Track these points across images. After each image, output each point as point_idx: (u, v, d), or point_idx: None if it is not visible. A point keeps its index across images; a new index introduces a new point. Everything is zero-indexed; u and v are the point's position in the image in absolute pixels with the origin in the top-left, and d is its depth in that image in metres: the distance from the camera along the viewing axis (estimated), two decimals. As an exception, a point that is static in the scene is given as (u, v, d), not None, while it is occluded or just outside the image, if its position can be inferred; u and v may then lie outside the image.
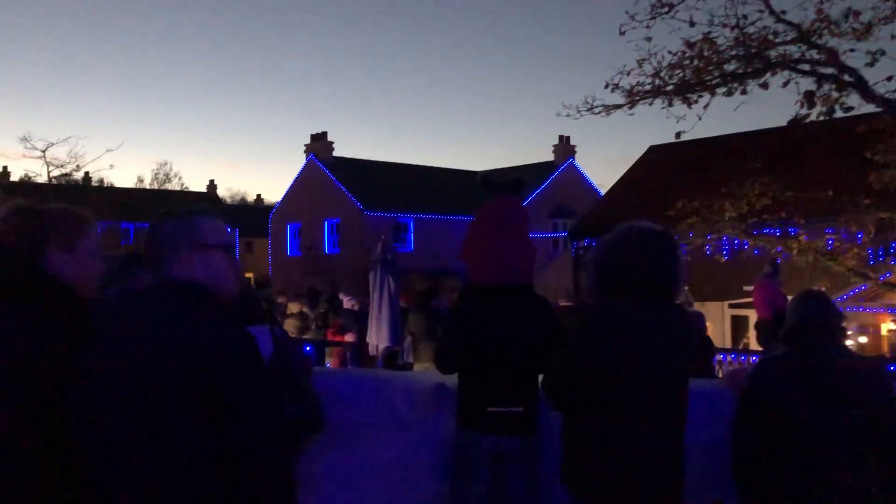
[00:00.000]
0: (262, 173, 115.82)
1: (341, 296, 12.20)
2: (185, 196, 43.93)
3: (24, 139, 26.99)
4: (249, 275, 41.02)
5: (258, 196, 63.22)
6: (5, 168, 39.04)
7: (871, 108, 9.13)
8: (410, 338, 8.02)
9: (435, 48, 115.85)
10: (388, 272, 8.89)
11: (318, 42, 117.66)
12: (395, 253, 9.57)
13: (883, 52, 8.87)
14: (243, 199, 69.35)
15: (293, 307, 11.07)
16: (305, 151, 35.30)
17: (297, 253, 34.65)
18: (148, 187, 47.93)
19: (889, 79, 9.35)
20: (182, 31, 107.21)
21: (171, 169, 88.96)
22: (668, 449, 2.76)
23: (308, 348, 8.50)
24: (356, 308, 11.08)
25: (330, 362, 9.45)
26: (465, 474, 3.37)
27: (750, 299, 13.89)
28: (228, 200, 63.53)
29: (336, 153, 34.97)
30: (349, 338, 9.66)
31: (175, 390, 1.67)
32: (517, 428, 3.38)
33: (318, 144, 34.73)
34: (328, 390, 3.18)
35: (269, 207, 42.97)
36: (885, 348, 17.97)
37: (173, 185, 48.26)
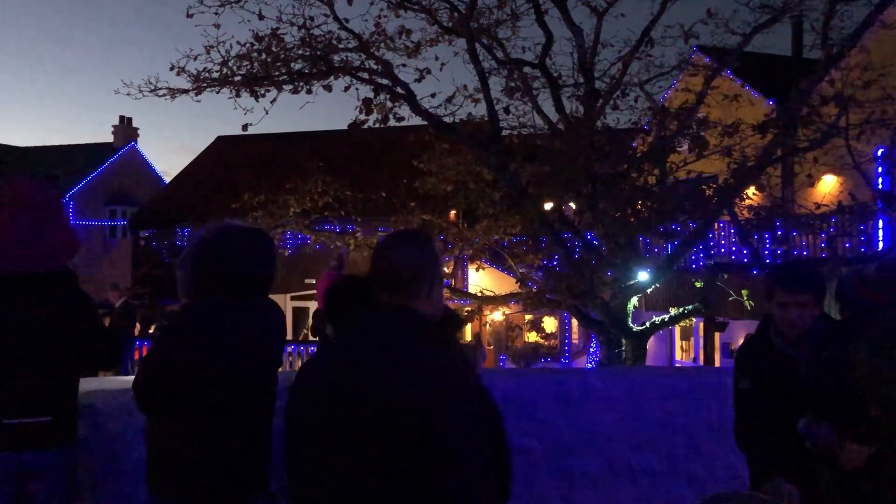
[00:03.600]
0: None
1: None
2: None
3: None
4: None
5: None
6: None
7: (419, 120, 10.16)
8: None
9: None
10: None
11: None
12: None
13: (429, 71, 9.96)
14: None
15: None
16: None
17: None
18: None
19: (433, 95, 10.57)
20: None
21: None
22: (261, 439, 2.75)
23: None
24: None
25: None
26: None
27: (311, 291, 14.52)
28: None
29: None
30: None
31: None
32: (45, 440, 2.93)
33: None
34: None
35: None
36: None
37: None
